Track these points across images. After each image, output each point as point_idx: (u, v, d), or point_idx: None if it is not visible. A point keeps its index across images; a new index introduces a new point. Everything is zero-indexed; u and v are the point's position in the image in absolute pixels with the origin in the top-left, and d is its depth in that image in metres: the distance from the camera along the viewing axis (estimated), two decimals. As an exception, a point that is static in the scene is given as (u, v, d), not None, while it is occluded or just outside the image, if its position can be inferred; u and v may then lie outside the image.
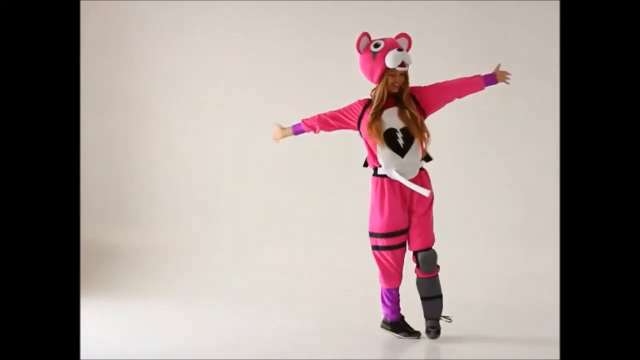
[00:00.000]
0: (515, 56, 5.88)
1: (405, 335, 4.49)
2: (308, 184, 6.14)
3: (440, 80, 4.44)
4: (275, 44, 6.26)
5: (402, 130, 4.34)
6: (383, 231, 4.39)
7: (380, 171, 4.38)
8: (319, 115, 4.50)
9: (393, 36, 4.41)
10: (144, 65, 6.52)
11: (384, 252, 4.42)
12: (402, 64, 4.29)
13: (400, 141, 4.33)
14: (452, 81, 4.43)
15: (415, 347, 4.36)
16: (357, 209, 4.88)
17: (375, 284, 4.53)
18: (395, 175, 4.33)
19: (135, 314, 5.23)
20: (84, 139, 5.97)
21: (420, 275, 4.44)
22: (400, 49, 4.31)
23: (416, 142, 4.35)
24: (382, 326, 4.57)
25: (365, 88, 4.45)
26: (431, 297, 4.45)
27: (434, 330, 4.46)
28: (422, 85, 4.44)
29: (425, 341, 4.45)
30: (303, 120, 4.54)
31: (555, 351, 3.66)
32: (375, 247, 4.44)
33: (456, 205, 5.84)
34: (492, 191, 5.93)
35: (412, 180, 4.33)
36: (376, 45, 4.34)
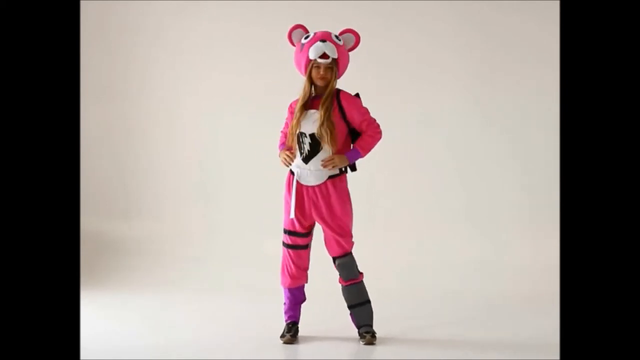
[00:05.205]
0: (515, 42, 5.87)
1: (283, 339, 4.25)
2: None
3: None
4: (276, 32, 6.22)
5: (311, 135, 4.09)
6: (286, 228, 4.26)
7: (292, 166, 4.21)
8: (282, 136, 4.31)
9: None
10: (143, 54, 6.50)
11: (285, 250, 4.28)
12: (324, 56, 4.02)
13: (306, 147, 4.11)
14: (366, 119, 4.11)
15: (424, 344, 4.28)
16: (359, 197, 4.87)
17: (374, 274, 4.49)
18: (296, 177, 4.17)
19: (136, 305, 5.23)
20: (83, 129, 5.96)
21: (342, 283, 4.26)
22: (324, 40, 4.03)
23: (325, 150, 4.09)
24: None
25: (361, 77, 4.39)
26: (358, 304, 4.24)
27: (369, 335, 4.20)
28: (354, 96, 4.15)
29: (434, 338, 4.37)
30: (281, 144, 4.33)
31: (555, 350, 3.65)
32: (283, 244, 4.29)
33: (453, 196, 5.84)
34: (490, 182, 5.92)
35: (313, 189, 4.14)
36: (306, 37, 4.09)
